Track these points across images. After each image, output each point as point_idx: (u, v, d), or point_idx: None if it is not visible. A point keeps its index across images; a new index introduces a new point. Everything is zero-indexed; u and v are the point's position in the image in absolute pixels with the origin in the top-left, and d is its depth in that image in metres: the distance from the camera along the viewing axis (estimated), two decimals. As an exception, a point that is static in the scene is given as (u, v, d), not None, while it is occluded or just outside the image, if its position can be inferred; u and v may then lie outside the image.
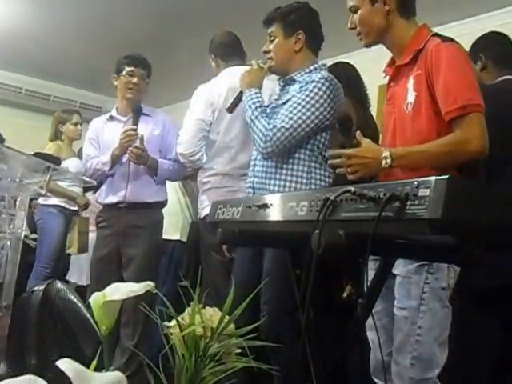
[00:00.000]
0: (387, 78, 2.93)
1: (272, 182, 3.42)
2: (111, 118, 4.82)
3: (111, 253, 4.53)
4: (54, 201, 6.31)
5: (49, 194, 5.82)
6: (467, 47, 2.71)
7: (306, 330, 2.06)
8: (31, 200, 6.14)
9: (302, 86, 3.38)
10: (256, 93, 3.51)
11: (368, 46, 2.88)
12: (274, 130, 3.29)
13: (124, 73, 4.64)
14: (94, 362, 1.33)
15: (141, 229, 4.51)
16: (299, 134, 3.32)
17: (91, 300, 1.45)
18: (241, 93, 3.61)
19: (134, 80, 4.61)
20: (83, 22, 7.21)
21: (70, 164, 6.32)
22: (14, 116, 9.63)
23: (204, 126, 4.19)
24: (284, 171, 3.41)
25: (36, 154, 4.18)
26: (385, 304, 2.68)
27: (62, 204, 6.39)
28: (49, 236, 6.37)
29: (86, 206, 6.55)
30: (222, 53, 4.54)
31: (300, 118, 3.29)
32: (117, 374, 1.27)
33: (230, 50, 4.56)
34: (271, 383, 3.32)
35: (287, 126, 3.29)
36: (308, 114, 3.30)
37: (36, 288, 3.94)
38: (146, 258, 4.50)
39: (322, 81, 3.33)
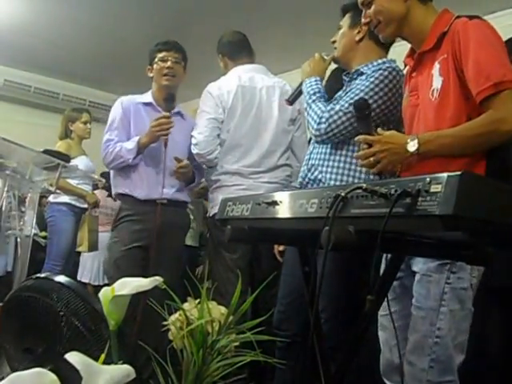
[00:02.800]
0: (406, 70, 2.83)
1: (332, 176, 3.30)
2: (149, 104, 4.45)
3: (142, 249, 4.20)
4: (64, 198, 6.32)
5: (59, 192, 5.83)
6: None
7: (315, 328, 2.06)
8: (41, 198, 6.18)
9: (367, 75, 3.25)
10: (316, 80, 3.39)
11: (387, 37, 2.77)
12: (332, 112, 3.15)
13: (156, 60, 4.35)
14: (103, 356, 1.33)
15: (177, 229, 4.36)
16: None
17: (100, 294, 1.46)
18: (301, 84, 3.48)
19: (168, 64, 4.32)
20: (93, 21, 7.23)
21: (80, 162, 6.35)
22: (24, 114, 9.66)
23: (217, 124, 4.20)
24: (342, 164, 3.29)
25: (46, 152, 4.19)
26: (400, 305, 2.62)
27: (72, 202, 6.39)
28: (59, 234, 6.36)
29: (95, 204, 6.56)
30: (229, 52, 4.55)
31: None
32: (125, 367, 1.27)
33: (238, 49, 4.56)
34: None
35: (346, 110, 3.13)
36: (370, 101, 3.02)
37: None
38: (177, 259, 4.38)
39: (390, 69, 3.18)
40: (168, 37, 5.41)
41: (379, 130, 2.53)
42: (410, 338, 2.48)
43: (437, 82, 2.47)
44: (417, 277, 2.49)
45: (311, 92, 3.31)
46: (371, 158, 2.44)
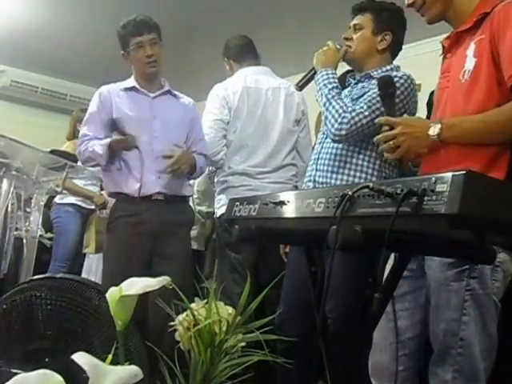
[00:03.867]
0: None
1: (339, 176, 3.29)
2: (133, 88, 4.11)
3: (143, 252, 3.88)
4: (71, 199, 6.34)
5: (65, 192, 5.84)
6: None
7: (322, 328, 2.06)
8: (49, 199, 6.18)
9: None
10: (333, 73, 3.33)
11: (432, 20, 2.60)
12: (353, 114, 3.12)
13: (132, 47, 3.94)
14: (110, 356, 1.33)
15: (179, 227, 4.00)
16: (374, 125, 2.95)
17: (108, 295, 1.46)
18: (313, 70, 3.42)
19: (147, 51, 3.91)
20: (100, 22, 7.24)
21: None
22: (31, 115, 9.69)
23: (223, 125, 4.21)
24: (353, 166, 3.27)
25: (53, 152, 4.19)
26: (406, 305, 2.53)
27: (79, 203, 6.41)
28: (65, 235, 6.39)
29: (103, 206, 6.56)
30: (235, 54, 4.59)
31: (378, 108, 3.08)
32: (132, 368, 1.27)
33: (244, 52, 4.62)
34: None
35: (366, 113, 3.12)
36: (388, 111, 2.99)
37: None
38: (184, 259, 3.99)
39: (405, 77, 3.19)
40: (176, 37, 5.36)
41: (405, 115, 2.53)
42: (433, 347, 2.39)
43: (469, 63, 2.37)
44: (433, 284, 2.39)
45: (329, 86, 3.25)
46: (391, 142, 2.37)
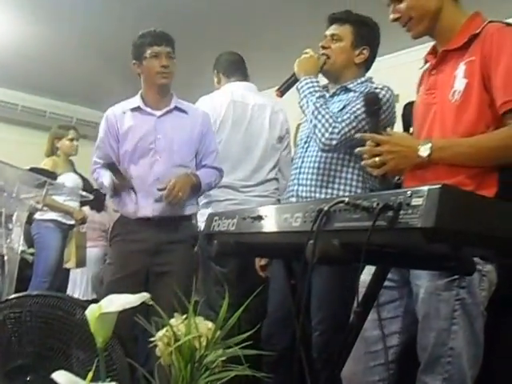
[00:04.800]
0: (425, 66, 2.67)
1: (323, 190, 3.25)
2: (137, 109, 4.01)
3: (140, 271, 3.81)
4: (51, 215, 6.34)
5: (45, 209, 5.84)
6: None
7: (302, 340, 2.07)
8: (30, 215, 6.19)
9: (363, 93, 3.18)
10: (317, 81, 3.29)
11: (418, 35, 2.59)
12: (343, 124, 3.09)
13: (147, 55, 3.88)
14: (90, 374, 1.33)
15: (177, 244, 3.85)
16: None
17: (87, 312, 1.46)
18: (294, 76, 3.37)
19: (163, 62, 3.86)
20: (78, 38, 7.28)
21: (67, 179, 6.38)
22: (11, 132, 9.66)
23: None
24: (337, 179, 3.26)
25: (32, 169, 4.19)
26: (382, 315, 2.48)
27: (59, 218, 6.40)
28: (46, 250, 6.38)
29: (83, 221, 6.57)
30: (225, 69, 4.63)
31: (364, 119, 3.07)
32: (112, 385, 1.28)
33: (234, 68, 4.66)
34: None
35: (354, 124, 3.09)
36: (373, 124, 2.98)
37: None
38: (182, 273, 3.78)
39: (386, 89, 3.20)
40: None
41: (388, 129, 2.51)
42: (420, 356, 2.37)
43: (459, 84, 2.37)
44: (422, 294, 2.36)
45: (316, 94, 3.21)
46: (377, 158, 2.35)
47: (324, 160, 3.28)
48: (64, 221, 6.44)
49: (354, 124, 3.10)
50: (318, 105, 3.16)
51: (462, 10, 2.54)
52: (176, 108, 4.02)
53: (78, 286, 8.48)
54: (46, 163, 6.42)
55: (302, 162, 3.38)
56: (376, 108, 2.54)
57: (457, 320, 2.26)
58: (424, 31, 2.56)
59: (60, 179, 6.18)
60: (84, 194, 6.56)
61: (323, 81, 3.50)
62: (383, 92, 3.18)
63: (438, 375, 2.28)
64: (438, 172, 2.29)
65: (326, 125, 3.09)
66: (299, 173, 3.37)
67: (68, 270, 7.12)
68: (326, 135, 3.09)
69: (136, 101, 4.06)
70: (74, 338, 2.35)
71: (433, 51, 2.63)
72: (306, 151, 3.38)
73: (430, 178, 2.28)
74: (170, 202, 3.74)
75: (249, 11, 6.21)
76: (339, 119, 3.13)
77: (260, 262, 3.89)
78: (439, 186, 1.33)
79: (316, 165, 3.31)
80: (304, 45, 3.48)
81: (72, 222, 6.49)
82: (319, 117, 3.13)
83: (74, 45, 7.48)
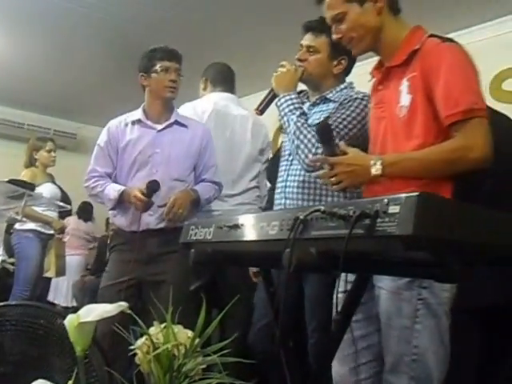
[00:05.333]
0: (372, 81, 2.76)
1: (310, 203, 3.24)
2: (138, 122, 4.05)
3: (132, 279, 3.81)
4: (30, 225, 6.33)
5: (25, 219, 5.85)
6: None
7: (282, 347, 2.09)
8: (9, 225, 6.21)
9: (343, 104, 3.24)
10: (296, 97, 3.23)
11: (361, 53, 2.69)
12: None
13: (158, 69, 3.92)
14: (70, 382, 1.35)
15: (172, 254, 3.78)
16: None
17: (66, 321, 1.47)
18: (272, 92, 3.33)
19: (172, 77, 3.93)
20: (54, 52, 7.31)
21: (45, 189, 6.43)
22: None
23: None
24: (324, 192, 3.27)
25: (10, 181, 4.19)
26: (358, 316, 2.48)
27: (38, 228, 6.40)
28: (26, 260, 6.37)
29: (61, 230, 6.60)
30: (214, 78, 4.62)
31: (347, 134, 3.10)
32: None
33: (223, 78, 4.66)
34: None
35: (336, 141, 3.02)
36: (354, 130, 3.11)
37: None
38: (176, 283, 3.59)
39: (367, 98, 3.14)
40: (126, 69, 5.32)
41: (341, 144, 2.53)
42: (386, 358, 2.42)
43: (405, 99, 2.44)
44: (384, 294, 2.42)
45: (297, 113, 3.17)
46: (332, 179, 2.43)
47: (309, 174, 3.25)
48: (43, 230, 6.45)
49: (337, 141, 3.09)
50: (299, 124, 3.12)
51: (402, 24, 2.62)
52: (176, 122, 4.05)
53: (60, 292, 8.50)
54: (24, 174, 6.44)
55: (288, 175, 3.40)
56: (329, 136, 2.56)
57: (420, 319, 2.30)
58: (366, 48, 2.64)
59: (38, 190, 6.20)
60: (62, 204, 6.58)
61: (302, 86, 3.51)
62: (357, 97, 3.21)
63: (404, 374, 2.33)
64: (392, 184, 2.33)
65: (309, 145, 3.05)
66: (285, 186, 3.39)
67: (49, 279, 7.13)
68: (310, 156, 3.02)
69: (138, 114, 4.08)
70: (54, 347, 2.36)
71: (378, 66, 2.70)
72: (292, 164, 3.39)
73: (384, 191, 2.27)
74: (171, 220, 3.76)
75: (222, 16, 6.22)
76: None
77: (253, 268, 3.91)
78: (417, 193, 1.32)
79: (301, 178, 3.32)
80: (280, 52, 3.48)
81: (51, 232, 6.51)
82: (301, 137, 3.09)
83: (51, 58, 7.53)
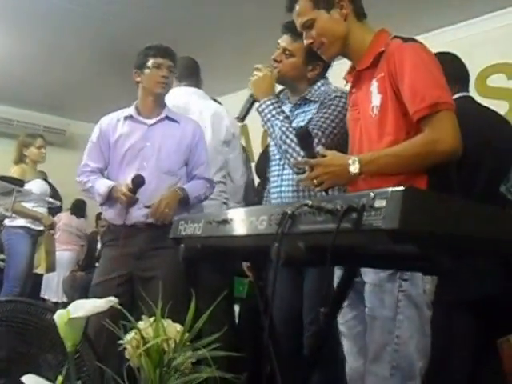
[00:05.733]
0: (348, 85, 2.85)
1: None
2: (130, 117, 4.05)
3: (124, 275, 3.81)
4: (20, 222, 6.32)
5: (14, 216, 5.85)
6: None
7: (269, 341, 2.10)
8: None
9: (324, 103, 3.31)
10: (277, 101, 3.26)
11: (331, 57, 2.84)
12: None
13: (150, 65, 3.94)
14: (60, 378, 1.36)
15: (162, 249, 3.72)
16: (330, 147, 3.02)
17: (56, 317, 1.48)
18: (251, 98, 3.32)
19: (163, 73, 3.94)
20: (42, 49, 7.27)
21: (35, 186, 6.41)
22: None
23: None
24: (318, 193, 3.12)
25: (0, 178, 4.18)
26: (357, 310, 2.63)
27: (28, 225, 6.39)
28: (16, 256, 6.36)
29: (51, 226, 6.58)
30: (180, 73, 4.55)
31: (331, 132, 3.18)
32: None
33: (188, 73, 4.61)
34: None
35: (322, 140, 3.14)
36: (338, 128, 3.19)
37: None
38: (167, 278, 3.52)
39: (345, 95, 3.17)
40: (115, 66, 5.32)
41: (320, 148, 2.61)
42: (369, 347, 2.50)
43: (376, 100, 2.54)
44: (368, 287, 2.50)
45: (280, 117, 3.19)
46: (314, 181, 2.52)
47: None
48: (33, 227, 6.43)
49: (323, 140, 3.13)
50: (284, 129, 3.14)
51: (368, 29, 2.73)
52: (167, 117, 4.05)
53: (50, 288, 8.50)
54: (14, 171, 6.43)
55: (282, 180, 3.43)
56: (308, 142, 2.63)
57: (401, 310, 2.37)
58: (336, 53, 2.76)
59: (27, 186, 6.19)
60: (51, 200, 6.57)
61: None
62: (337, 99, 3.27)
63: (386, 364, 2.39)
64: (371, 181, 2.42)
65: (297, 149, 3.04)
66: (280, 191, 3.43)
67: (40, 275, 7.13)
68: (299, 159, 3.01)
69: (130, 110, 4.09)
70: (45, 343, 2.36)
71: (351, 70, 2.81)
72: (284, 169, 3.42)
73: (365, 187, 2.37)
74: (157, 220, 3.75)
75: (209, 15, 6.22)
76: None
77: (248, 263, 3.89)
78: (402, 187, 1.33)
79: (294, 182, 3.35)
80: (265, 48, 3.49)
81: (41, 228, 6.49)
82: (288, 141, 3.12)
83: (39, 55, 7.47)
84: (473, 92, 3.96)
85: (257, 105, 3.29)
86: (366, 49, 2.65)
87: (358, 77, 2.71)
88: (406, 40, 2.55)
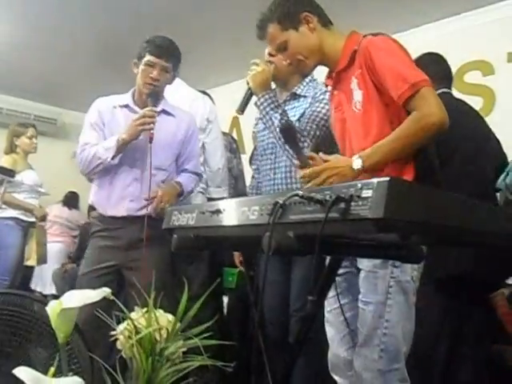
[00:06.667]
0: (329, 89, 3.01)
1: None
2: (126, 106, 4.04)
3: (112, 266, 3.84)
4: (11, 213, 6.30)
5: (4, 207, 5.83)
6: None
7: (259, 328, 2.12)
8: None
9: (316, 98, 3.51)
10: (275, 95, 3.41)
11: (311, 70, 2.98)
12: (311, 136, 3.37)
13: (144, 61, 3.88)
14: (52, 369, 1.36)
15: (150, 240, 3.71)
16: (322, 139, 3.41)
17: (48, 308, 1.48)
18: (249, 91, 3.40)
19: (154, 74, 3.87)
20: (35, 35, 7.22)
21: (26, 176, 6.39)
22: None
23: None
24: None
25: (-11, 168, 4.17)
26: (349, 298, 2.75)
27: (19, 216, 6.37)
28: (6, 248, 6.34)
29: (43, 218, 6.55)
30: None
31: (324, 125, 3.42)
32: (74, 379, 1.30)
33: None
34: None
35: (317, 132, 3.41)
36: (329, 121, 3.34)
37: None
38: (156, 271, 3.37)
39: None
40: (108, 55, 5.27)
41: (321, 154, 2.68)
42: (360, 331, 2.62)
43: (357, 95, 2.68)
44: (362, 273, 2.63)
45: (279, 111, 3.33)
46: (323, 185, 2.53)
47: (296, 169, 3.40)
48: (24, 218, 6.41)
49: (318, 133, 3.37)
50: (283, 121, 3.27)
51: (337, 34, 2.90)
52: (163, 111, 4.03)
53: (41, 279, 8.49)
54: (5, 161, 6.41)
55: (275, 173, 3.59)
56: (291, 134, 2.81)
57: (392, 295, 2.52)
58: (315, 65, 2.91)
59: (19, 177, 6.18)
60: (43, 191, 6.54)
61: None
62: (327, 93, 3.35)
63: (376, 347, 2.53)
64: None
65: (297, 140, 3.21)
66: (273, 184, 3.58)
67: (30, 267, 7.10)
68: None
69: (126, 98, 4.07)
70: (36, 335, 2.36)
71: (329, 75, 2.95)
72: (275, 162, 3.58)
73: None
74: (158, 214, 3.73)
75: (201, 7, 6.22)
76: (305, 133, 3.30)
77: (239, 257, 3.96)
78: (388, 178, 1.37)
79: (289, 174, 3.53)
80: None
81: (32, 220, 6.47)
82: None
83: (32, 43, 7.43)
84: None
85: (255, 99, 3.38)
86: (341, 52, 2.80)
87: (337, 79, 2.85)
88: (375, 34, 2.70)
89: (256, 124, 3.92)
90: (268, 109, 3.30)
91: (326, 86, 2.99)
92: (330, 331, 2.84)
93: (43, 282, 8.51)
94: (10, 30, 7.15)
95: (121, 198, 3.89)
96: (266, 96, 3.33)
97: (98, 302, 1.48)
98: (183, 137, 4.07)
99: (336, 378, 2.81)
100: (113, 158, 3.83)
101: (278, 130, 3.21)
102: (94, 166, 3.91)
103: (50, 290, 8.48)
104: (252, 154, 4.70)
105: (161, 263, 3.82)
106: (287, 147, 3.21)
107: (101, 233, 3.97)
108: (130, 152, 3.88)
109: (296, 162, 2.97)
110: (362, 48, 2.66)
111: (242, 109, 3.43)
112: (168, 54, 3.92)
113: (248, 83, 3.39)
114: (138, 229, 3.79)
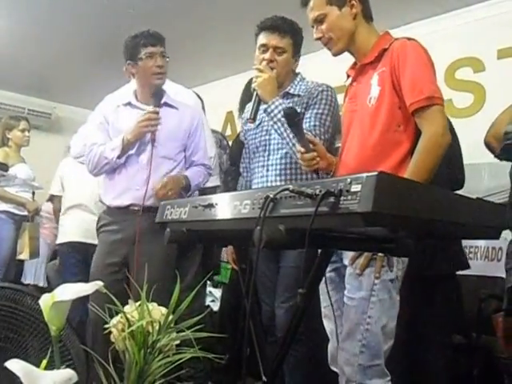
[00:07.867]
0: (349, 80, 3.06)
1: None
2: (129, 104, 4.10)
3: (120, 261, 3.88)
4: (3, 206, 6.29)
5: (-4, 201, 5.82)
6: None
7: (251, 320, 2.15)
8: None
9: (313, 98, 3.59)
10: (283, 102, 3.42)
11: (338, 53, 2.98)
12: (323, 137, 3.44)
13: (142, 56, 3.89)
14: (45, 362, 1.37)
15: (155, 233, 3.45)
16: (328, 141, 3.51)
17: (41, 301, 1.49)
18: (257, 97, 3.36)
19: (158, 62, 3.91)
20: (29, 29, 7.18)
21: (19, 170, 6.36)
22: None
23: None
24: (304, 175, 3.56)
25: (-18, 162, 4.16)
26: (341, 294, 2.77)
27: (12, 210, 6.36)
28: (-1, 241, 6.33)
29: (35, 212, 6.54)
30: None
31: (329, 126, 3.52)
32: (67, 372, 1.32)
33: None
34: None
35: (326, 136, 3.48)
36: (332, 121, 3.53)
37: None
38: (159, 265, 3.65)
39: (330, 88, 3.61)
40: (103, 49, 5.25)
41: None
42: (344, 326, 2.67)
43: (374, 91, 2.75)
44: (349, 270, 2.69)
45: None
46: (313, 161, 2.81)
47: (289, 166, 3.57)
48: (17, 212, 6.40)
49: (326, 136, 3.50)
50: (289, 131, 3.29)
51: (373, 31, 2.97)
52: (166, 104, 4.06)
53: (31, 272, 8.47)
54: (-2, 154, 6.39)
55: (267, 170, 3.65)
56: (295, 120, 2.75)
57: (375, 292, 2.58)
58: (343, 48, 2.96)
59: (12, 170, 6.16)
60: (36, 184, 6.53)
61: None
62: (325, 93, 3.58)
63: (358, 342, 2.58)
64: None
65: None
66: (266, 181, 3.62)
67: (22, 261, 7.08)
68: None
69: (128, 97, 4.14)
70: (29, 328, 2.37)
71: (353, 66, 3.03)
72: (268, 159, 3.65)
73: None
74: (158, 197, 3.75)
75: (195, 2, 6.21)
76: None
77: (232, 254, 3.98)
78: (376, 173, 1.39)
79: (283, 172, 3.59)
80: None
81: (25, 214, 6.45)
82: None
83: (27, 35, 7.37)
84: (442, 84, 4.20)
85: (264, 106, 3.38)
86: (372, 47, 2.87)
87: (360, 71, 2.93)
88: (408, 39, 2.79)
89: (244, 123, 3.94)
90: (279, 115, 3.30)
91: (348, 76, 3.04)
92: (328, 325, 2.89)
93: (32, 274, 8.49)
94: (3, 25, 7.12)
95: (127, 188, 3.94)
96: (276, 103, 3.33)
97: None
98: (187, 129, 4.10)
99: (336, 369, 2.82)
100: (119, 157, 3.92)
101: (282, 113, 3.19)
102: (101, 165, 3.99)
103: (39, 282, 8.48)
104: (232, 152, 4.76)
105: (165, 257, 3.84)
106: (289, 133, 3.21)
107: (108, 227, 4.03)
108: (134, 145, 3.95)
109: (299, 148, 2.99)
110: (393, 49, 2.74)
111: (253, 117, 3.41)
112: (160, 40, 3.98)
113: (254, 90, 3.37)
114: (144, 220, 3.80)
